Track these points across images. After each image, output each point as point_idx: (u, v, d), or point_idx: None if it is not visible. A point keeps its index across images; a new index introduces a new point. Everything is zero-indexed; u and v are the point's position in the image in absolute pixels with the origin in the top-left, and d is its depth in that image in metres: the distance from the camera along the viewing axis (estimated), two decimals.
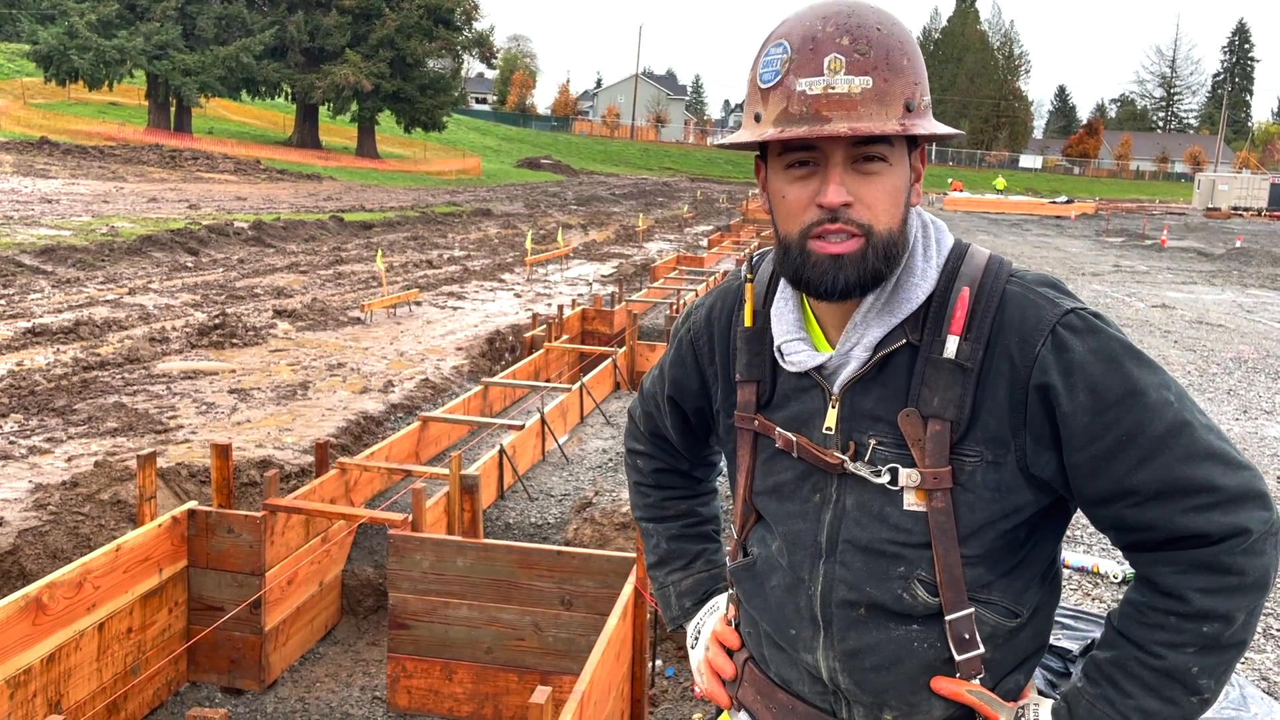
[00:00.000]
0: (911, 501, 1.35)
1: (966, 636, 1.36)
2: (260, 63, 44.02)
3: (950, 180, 62.85)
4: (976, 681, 1.38)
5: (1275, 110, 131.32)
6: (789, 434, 1.44)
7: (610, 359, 8.95)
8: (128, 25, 41.03)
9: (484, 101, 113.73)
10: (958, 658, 1.37)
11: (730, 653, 1.65)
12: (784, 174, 1.35)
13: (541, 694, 2.76)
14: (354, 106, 48.27)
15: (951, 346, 1.32)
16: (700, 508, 1.87)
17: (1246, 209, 54.12)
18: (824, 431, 1.40)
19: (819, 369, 1.41)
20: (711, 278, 15.21)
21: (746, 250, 20.44)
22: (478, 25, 53.53)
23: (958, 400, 1.32)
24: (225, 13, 44.27)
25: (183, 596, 4.88)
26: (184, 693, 4.93)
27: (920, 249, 1.39)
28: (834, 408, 1.39)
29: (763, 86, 1.32)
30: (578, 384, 7.86)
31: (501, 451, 6.08)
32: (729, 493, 1.63)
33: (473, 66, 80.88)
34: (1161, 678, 1.28)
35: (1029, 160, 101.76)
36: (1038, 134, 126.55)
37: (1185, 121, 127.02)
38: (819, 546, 1.42)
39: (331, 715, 4.87)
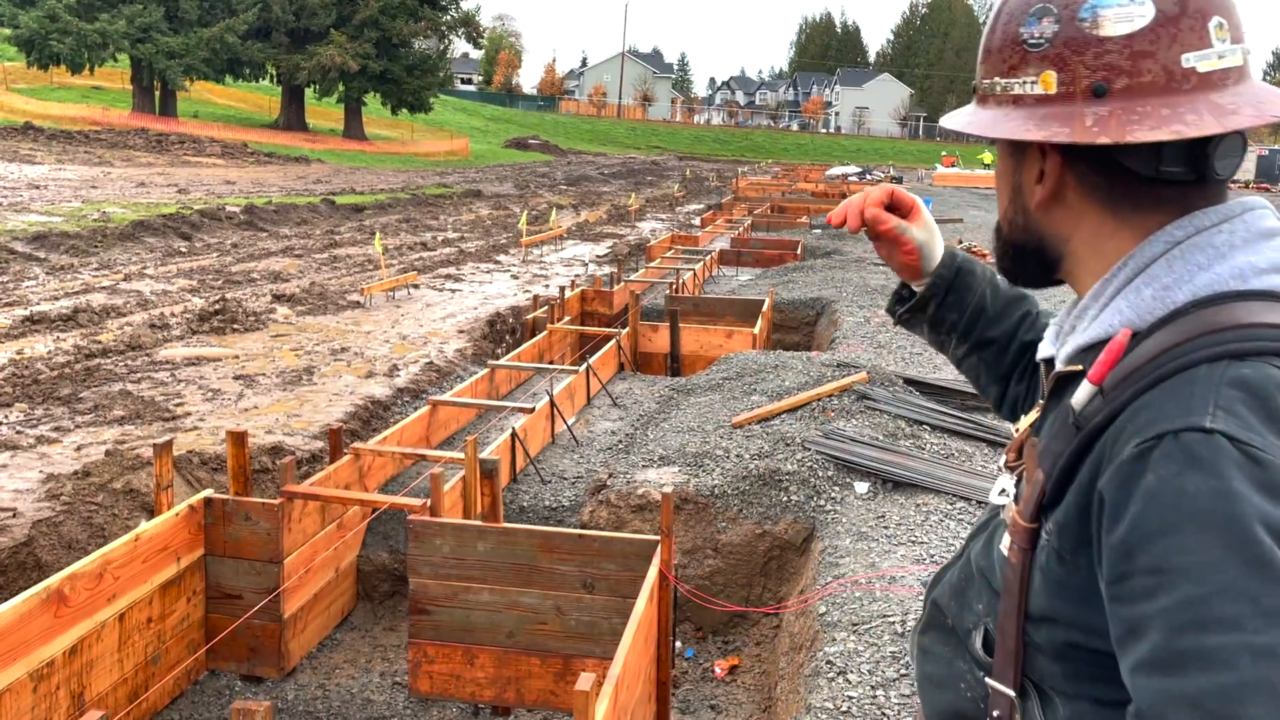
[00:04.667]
0: (1005, 541, 1.12)
1: (996, 714, 1.13)
2: (244, 44, 43.60)
3: (942, 154, 62.78)
4: None
5: (1262, 77, 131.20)
6: (1011, 428, 1.30)
7: (614, 340, 8.91)
8: (109, 8, 40.54)
9: (469, 82, 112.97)
10: None
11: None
12: None
13: (586, 680, 2.74)
14: (340, 88, 47.88)
15: (1082, 394, 1.03)
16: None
17: (1232, 181, 54.22)
18: (1014, 431, 1.24)
19: (1048, 362, 1.20)
20: (708, 256, 15.17)
21: (740, 229, 20.38)
22: (463, 5, 53.17)
23: (1055, 458, 1.05)
24: None
25: (200, 585, 4.84)
26: (203, 681, 4.91)
27: (1117, 277, 1.08)
28: (1037, 410, 1.19)
29: None
30: (584, 365, 7.83)
31: (514, 435, 6.05)
32: None
33: (458, 46, 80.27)
34: None
35: None
36: None
37: None
38: (966, 543, 1.29)
39: (352, 701, 4.85)
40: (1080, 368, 1.09)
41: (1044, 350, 1.20)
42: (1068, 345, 1.12)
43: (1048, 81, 1.04)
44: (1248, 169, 55.18)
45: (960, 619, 1.22)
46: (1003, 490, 1.17)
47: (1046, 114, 1.04)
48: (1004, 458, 1.21)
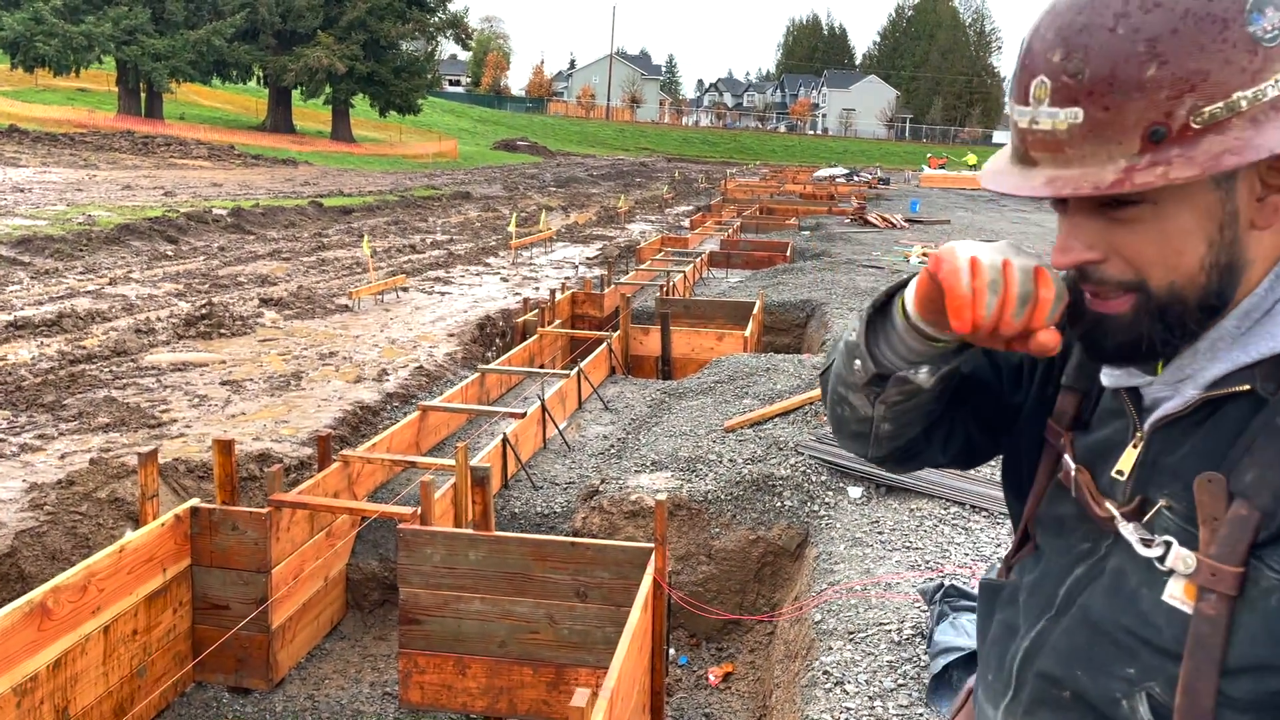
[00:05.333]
0: (1174, 593, 0.99)
1: None
2: (231, 46, 43.39)
3: (928, 156, 62.91)
4: None
5: None
6: (1074, 466, 1.13)
7: (605, 343, 8.86)
8: (95, 10, 40.29)
9: (457, 83, 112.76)
10: None
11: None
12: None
13: (581, 696, 2.69)
14: (327, 90, 47.71)
15: None
16: None
17: None
18: (1113, 474, 1.08)
19: (1135, 393, 1.09)
20: (698, 258, 15.14)
21: (729, 231, 20.35)
22: (451, 6, 53.06)
23: (1278, 488, 0.94)
24: None
25: (187, 596, 4.77)
26: (190, 694, 4.84)
27: None
28: (1135, 447, 1.07)
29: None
30: (575, 369, 7.77)
31: (505, 440, 5.99)
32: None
33: (445, 48, 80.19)
34: None
35: (1002, 136, 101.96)
36: (1009, 110, 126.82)
37: None
38: (1054, 599, 1.12)
39: (342, 713, 4.79)
40: (1247, 386, 0.98)
41: (1123, 379, 1.09)
42: (1219, 364, 1.00)
43: None
44: None
45: (1097, 688, 1.05)
46: (1146, 541, 1.02)
47: None
48: (1108, 510, 1.06)
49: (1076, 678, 1.07)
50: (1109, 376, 1.10)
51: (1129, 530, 1.04)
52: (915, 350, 1.10)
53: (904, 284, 1.12)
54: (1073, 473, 1.12)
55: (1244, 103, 0.90)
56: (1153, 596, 1.00)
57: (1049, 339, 0.98)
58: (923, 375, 1.11)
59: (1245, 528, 0.94)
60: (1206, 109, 0.90)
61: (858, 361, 1.14)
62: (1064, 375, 1.19)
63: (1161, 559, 1.00)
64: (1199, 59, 0.90)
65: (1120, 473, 1.07)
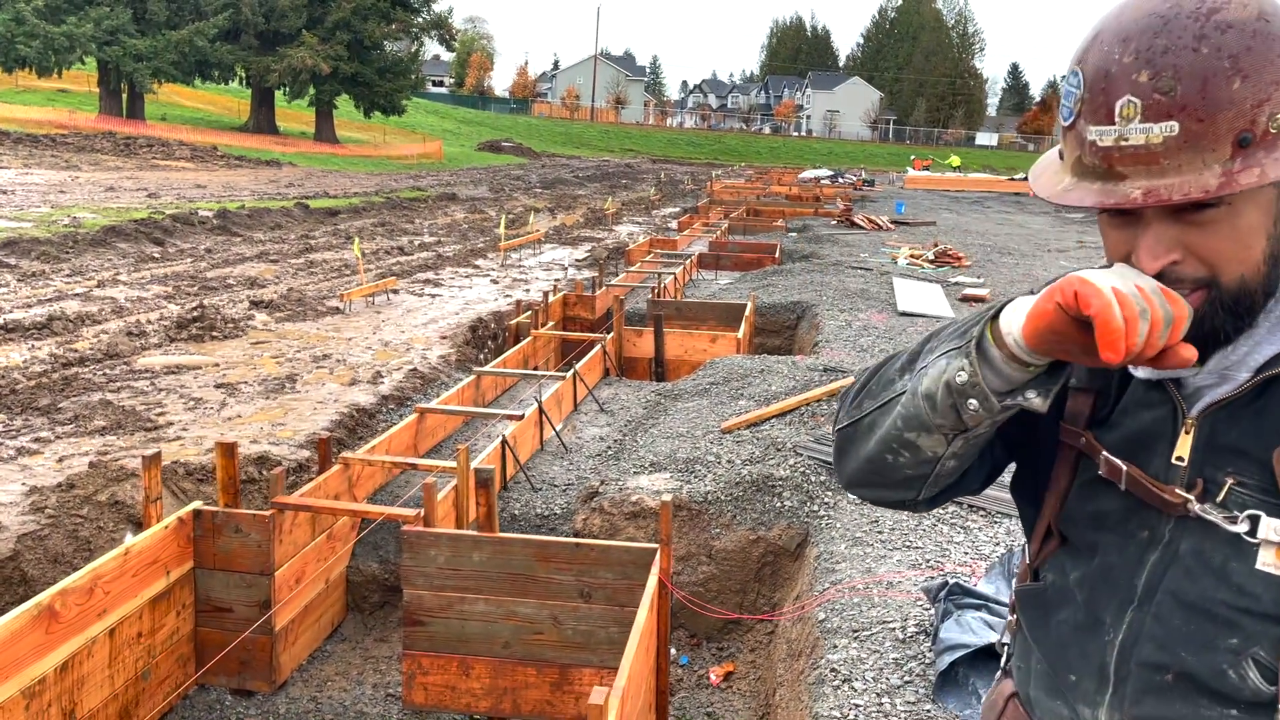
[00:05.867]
0: (1269, 560, 1.08)
1: None
2: (214, 46, 43.15)
3: (912, 158, 63.19)
4: None
5: None
6: (1118, 461, 1.18)
7: (599, 345, 8.89)
8: (76, 11, 40.00)
9: (441, 84, 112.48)
10: None
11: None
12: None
13: (599, 694, 2.72)
14: (311, 90, 47.51)
15: None
16: None
17: None
18: (1172, 461, 1.15)
19: (1177, 382, 1.17)
20: (688, 260, 15.18)
21: (718, 233, 20.41)
22: (435, 7, 52.94)
23: None
24: None
25: (190, 599, 4.78)
26: (193, 696, 4.84)
27: None
28: (1188, 434, 1.15)
29: (1063, 123, 1.13)
30: (571, 371, 7.80)
31: (504, 442, 6.02)
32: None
33: (429, 49, 79.99)
34: None
35: (985, 138, 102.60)
36: (991, 111, 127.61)
37: None
38: (1133, 589, 1.17)
39: (345, 714, 4.80)
40: None
41: (1163, 372, 1.16)
42: (1266, 348, 1.11)
43: None
44: None
45: (1202, 665, 1.12)
46: (1229, 518, 1.10)
47: None
48: (1179, 496, 1.13)
49: (1181, 659, 1.13)
50: (1145, 370, 1.16)
51: (1206, 510, 1.11)
52: (1012, 379, 1.12)
53: (989, 314, 1.16)
54: (1123, 468, 1.17)
55: (1275, 127, 1.02)
56: (1244, 568, 1.09)
57: (1190, 352, 1.04)
58: (1037, 400, 1.13)
59: None
60: (1277, 115, 1.02)
61: (973, 403, 1.13)
62: (1073, 379, 1.23)
63: (1251, 532, 1.08)
64: (1273, 72, 1.01)
65: (1180, 459, 1.14)
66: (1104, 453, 1.19)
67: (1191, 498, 1.12)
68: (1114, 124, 1.05)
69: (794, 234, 21.19)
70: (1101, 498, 1.21)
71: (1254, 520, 1.08)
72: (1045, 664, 1.28)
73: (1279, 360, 1.11)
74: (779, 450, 5.94)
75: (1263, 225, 1.08)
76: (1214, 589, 1.11)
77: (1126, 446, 1.18)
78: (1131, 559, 1.18)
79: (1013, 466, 1.39)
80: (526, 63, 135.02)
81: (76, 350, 8.37)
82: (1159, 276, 1.07)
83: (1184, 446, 1.15)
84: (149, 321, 9.71)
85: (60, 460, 5.78)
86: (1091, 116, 1.07)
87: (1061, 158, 1.14)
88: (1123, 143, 1.04)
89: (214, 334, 9.33)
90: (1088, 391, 1.24)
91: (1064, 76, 1.13)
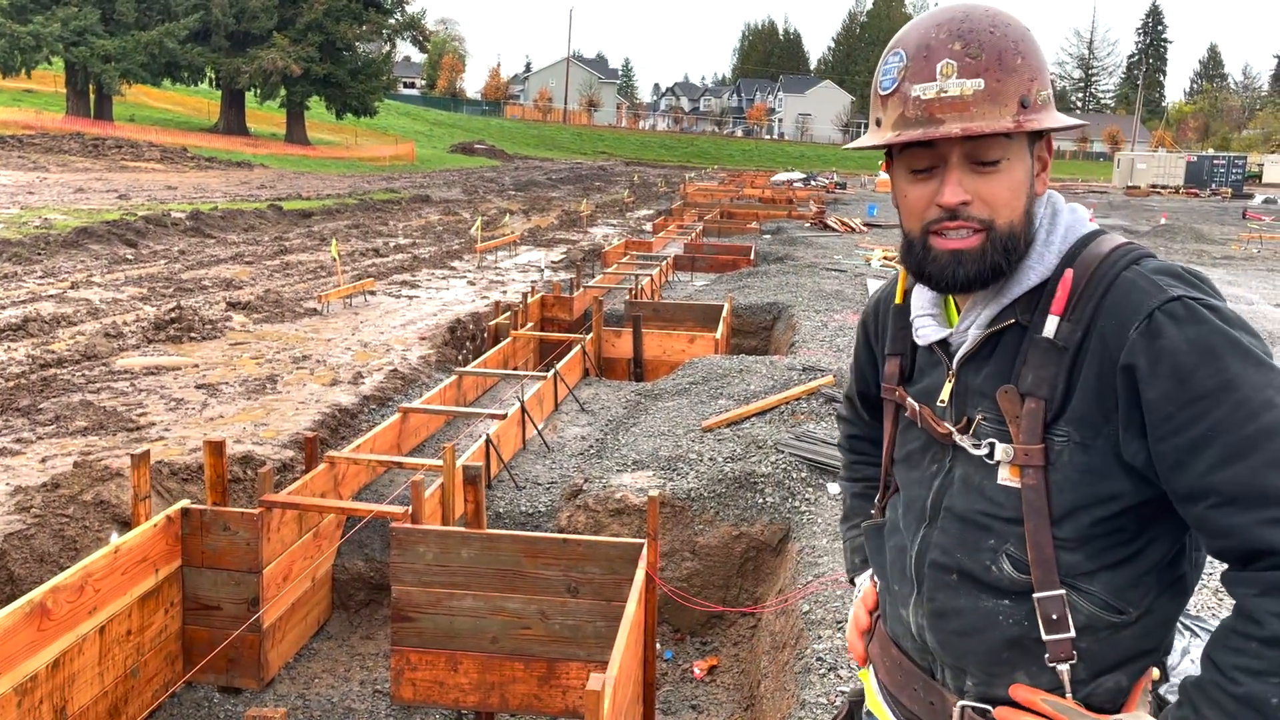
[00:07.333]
0: (1005, 477, 1.39)
1: (1055, 617, 1.36)
2: (184, 47, 42.79)
3: (880, 162, 63.55)
4: (1066, 668, 1.37)
5: (1187, 90, 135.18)
6: (915, 404, 1.54)
7: (579, 346, 8.95)
8: (43, 10, 39.56)
9: (412, 86, 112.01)
10: (1046, 637, 1.37)
11: (871, 612, 1.74)
12: (907, 175, 1.43)
13: (597, 680, 2.79)
14: (282, 92, 47.22)
15: (1050, 326, 1.36)
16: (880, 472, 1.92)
17: (1164, 186, 55.76)
18: (939, 404, 1.49)
19: (944, 344, 1.50)
20: (663, 262, 15.27)
21: (692, 235, 20.55)
22: (408, 8, 52.75)
23: (1052, 379, 1.35)
24: None
25: (178, 596, 4.79)
26: (181, 694, 4.86)
27: (1043, 234, 1.44)
28: (950, 382, 1.48)
29: (882, 93, 1.42)
30: (552, 371, 7.86)
31: (488, 441, 6.07)
32: None
33: (401, 50, 79.62)
34: (1239, 705, 1.21)
35: None
36: None
37: (1103, 102, 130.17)
38: (925, 512, 1.51)
39: (334, 711, 4.84)
40: (1014, 320, 1.41)
41: (932, 335, 1.51)
42: (989, 309, 1.44)
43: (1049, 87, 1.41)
44: (1177, 175, 56.72)
45: (972, 564, 1.43)
46: (975, 445, 1.43)
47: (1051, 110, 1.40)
48: (946, 429, 1.47)
49: (959, 560, 1.45)
50: (920, 337, 1.53)
51: (962, 440, 1.45)
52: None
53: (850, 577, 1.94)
54: (917, 409, 1.54)
55: (1041, 98, 1.37)
56: (991, 484, 1.42)
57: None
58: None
59: (1037, 416, 1.36)
60: (1043, 92, 1.37)
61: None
62: (885, 346, 1.64)
63: (990, 455, 1.41)
64: (1036, 59, 1.37)
65: (943, 401, 1.49)
66: (908, 398, 1.56)
67: (954, 430, 1.46)
68: (935, 80, 1.35)
69: (768, 236, 21.34)
70: (910, 440, 1.57)
71: (992, 446, 1.41)
72: (884, 582, 1.62)
73: (1001, 318, 1.43)
74: (760, 448, 6.03)
75: (1025, 184, 1.40)
76: (975, 502, 1.44)
77: (922, 395, 1.54)
78: (926, 487, 1.52)
79: None
80: (499, 65, 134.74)
81: (54, 351, 8.33)
82: (954, 215, 1.38)
83: (946, 391, 1.49)
84: (126, 323, 9.67)
85: (43, 460, 5.77)
86: (916, 78, 1.36)
87: (879, 124, 1.44)
88: (943, 94, 1.34)
89: (192, 335, 9.31)
90: (896, 355, 1.61)
91: (883, 61, 1.44)
